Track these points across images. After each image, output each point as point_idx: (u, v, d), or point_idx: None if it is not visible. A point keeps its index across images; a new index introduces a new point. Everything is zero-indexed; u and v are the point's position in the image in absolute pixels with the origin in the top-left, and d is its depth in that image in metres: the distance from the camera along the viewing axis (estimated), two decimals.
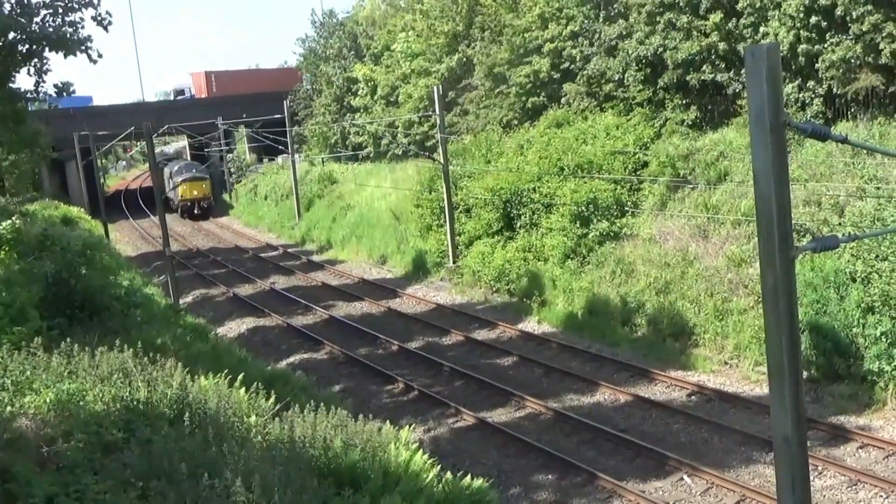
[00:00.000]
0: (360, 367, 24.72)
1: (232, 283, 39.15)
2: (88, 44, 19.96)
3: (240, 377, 13.96)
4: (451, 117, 41.81)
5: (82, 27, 20.07)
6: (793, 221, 5.38)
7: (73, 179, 63.04)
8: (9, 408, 10.14)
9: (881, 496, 14.66)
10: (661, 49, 28.75)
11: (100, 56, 20.22)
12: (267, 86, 71.66)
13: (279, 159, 65.04)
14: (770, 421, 5.58)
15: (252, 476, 8.48)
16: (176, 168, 69.50)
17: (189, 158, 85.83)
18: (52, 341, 13.63)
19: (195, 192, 65.68)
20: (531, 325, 27.40)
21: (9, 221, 21.55)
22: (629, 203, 28.37)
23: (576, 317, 26.31)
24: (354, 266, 40.78)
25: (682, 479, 16.02)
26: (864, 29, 22.75)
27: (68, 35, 19.68)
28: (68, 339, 12.92)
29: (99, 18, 20.09)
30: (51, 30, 19.65)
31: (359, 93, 55.46)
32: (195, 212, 65.81)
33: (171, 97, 78.41)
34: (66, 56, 19.65)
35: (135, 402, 10.67)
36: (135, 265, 40.57)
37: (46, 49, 19.69)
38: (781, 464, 5.56)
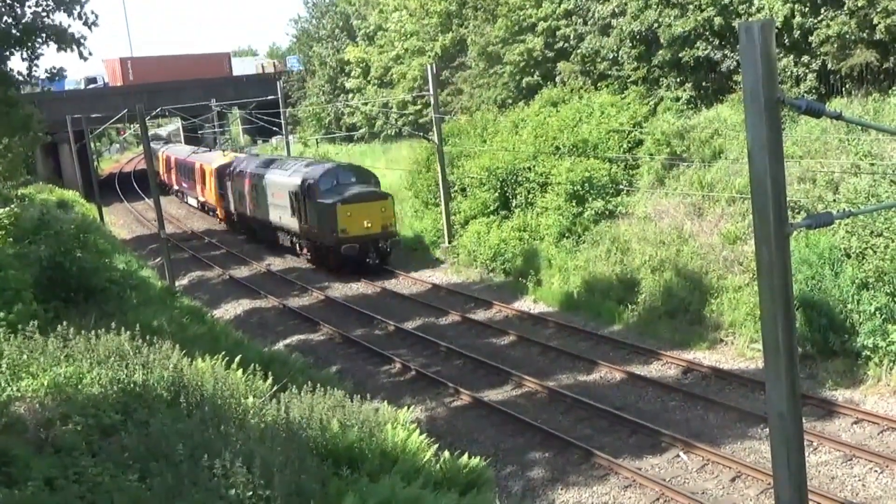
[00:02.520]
0: (358, 348, 24.76)
1: (227, 265, 39.11)
2: (82, 41, 19.99)
3: (237, 359, 14.01)
4: (445, 96, 41.70)
5: (78, 17, 19.96)
6: (787, 198, 5.38)
7: (67, 163, 62.75)
8: (6, 392, 10.16)
9: (876, 471, 14.76)
10: (655, 25, 28.64)
11: (90, 54, 20.31)
12: (190, 72, 67.04)
13: (273, 141, 64.86)
14: (765, 397, 5.61)
15: (251, 457, 8.51)
16: (320, 174, 34.72)
17: (183, 141, 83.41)
18: (49, 324, 13.65)
19: (368, 224, 32.81)
20: (527, 304, 27.44)
21: (6, 209, 21.53)
22: (624, 181, 28.37)
23: (572, 296, 26.35)
24: None
25: (677, 455, 16.11)
26: (858, 4, 22.66)
27: (63, 26, 19.63)
28: (64, 323, 12.93)
29: (84, 16, 20.00)
30: (44, 15, 19.54)
31: (352, 74, 55.31)
32: (370, 260, 33.24)
33: (83, 86, 70.42)
34: (58, 50, 19.64)
35: (132, 385, 10.70)
36: (130, 248, 40.52)
37: (40, 42, 19.63)
38: (776, 440, 5.59)
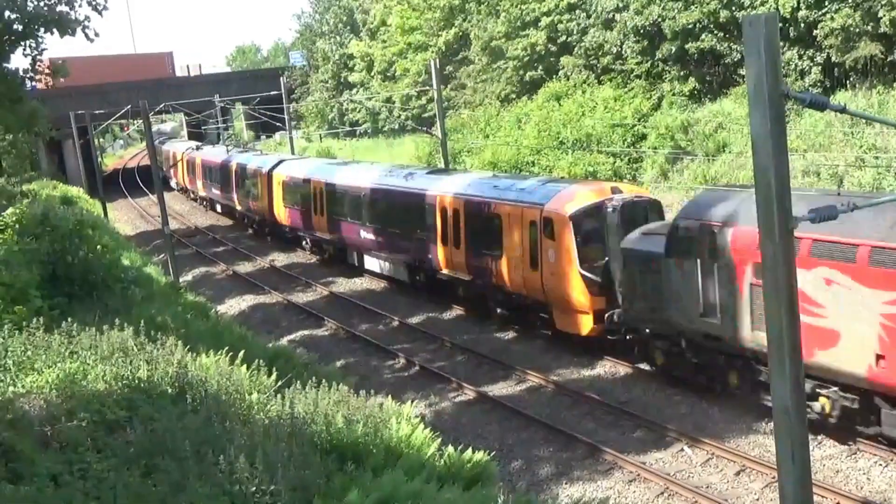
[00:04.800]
0: (362, 344, 24.76)
1: (232, 260, 39.12)
2: (86, 23, 19.86)
3: (241, 355, 13.99)
4: (448, 91, 41.67)
5: (80, 6, 19.91)
6: (791, 192, 5.37)
7: (71, 159, 62.83)
8: (11, 388, 10.19)
9: (880, 465, 14.74)
10: (659, 19, 28.58)
11: (97, 35, 20.14)
12: (127, 73, 64.58)
13: (276, 136, 64.87)
14: (770, 391, 5.61)
15: (255, 453, 8.53)
16: None
17: (187, 137, 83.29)
18: (53, 321, 13.67)
19: None
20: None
21: (11, 209, 21.55)
22: (628, 175, 28.32)
23: None
24: None
25: (682, 450, 16.10)
26: None
27: (64, 14, 19.55)
28: (69, 319, 12.96)
29: (94, 3, 19.91)
30: (46, 9, 19.49)
31: (355, 68, 55.33)
32: None
33: None
34: (62, 36, 19.51)
35: (136, 381, 10.72)
36: (134, 244, 40.53)
37: (42, 30, 19.55)
38: (781, 434, 5.59)
